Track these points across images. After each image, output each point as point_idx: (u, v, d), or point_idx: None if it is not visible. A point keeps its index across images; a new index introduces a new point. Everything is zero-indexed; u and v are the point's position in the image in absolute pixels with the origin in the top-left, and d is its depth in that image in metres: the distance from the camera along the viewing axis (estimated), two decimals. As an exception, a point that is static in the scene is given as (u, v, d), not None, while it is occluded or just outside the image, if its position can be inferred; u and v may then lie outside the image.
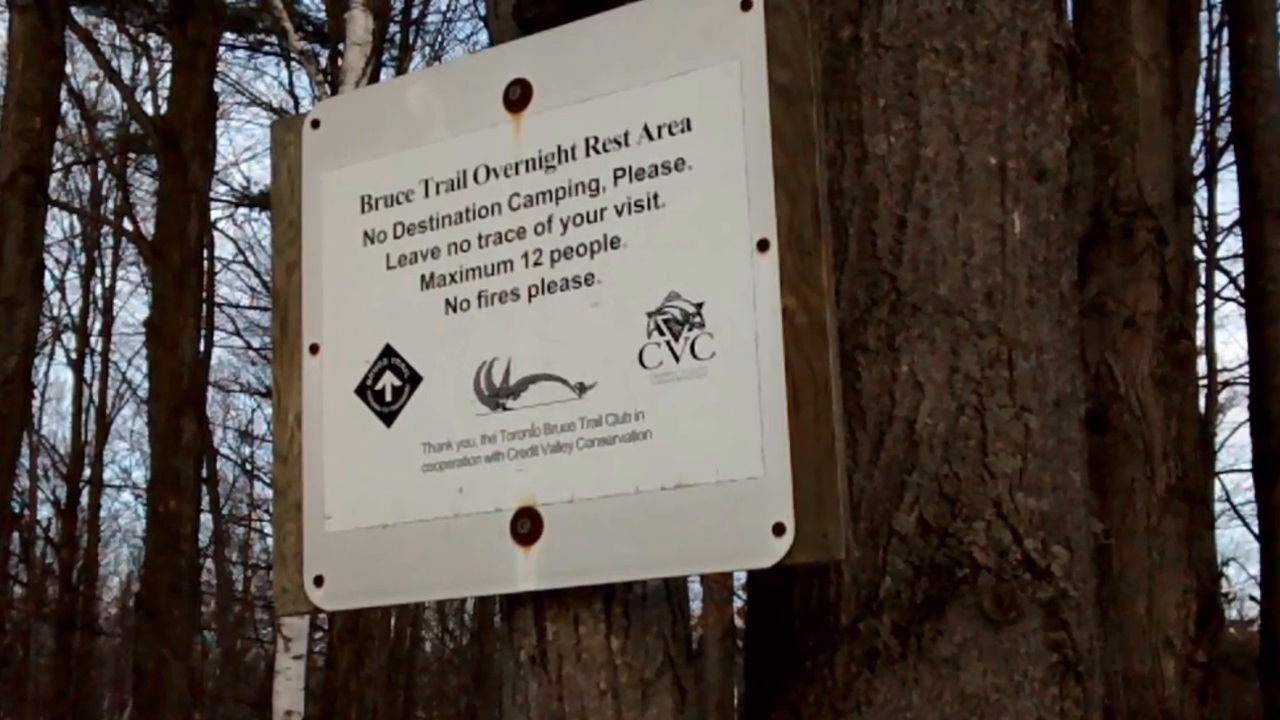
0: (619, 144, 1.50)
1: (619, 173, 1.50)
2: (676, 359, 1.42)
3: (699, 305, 1.42)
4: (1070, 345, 1.70)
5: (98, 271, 23.68)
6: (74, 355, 23.78)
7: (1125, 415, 2.65)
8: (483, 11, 17.78)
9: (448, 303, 1.56)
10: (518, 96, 1.57)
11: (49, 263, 16.63)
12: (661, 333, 1.44)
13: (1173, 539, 2.59)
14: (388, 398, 1.57)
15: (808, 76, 1.43)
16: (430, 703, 25.91)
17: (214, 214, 16.80)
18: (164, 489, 11.54)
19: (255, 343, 23.26)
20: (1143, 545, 2.56)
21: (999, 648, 1.52)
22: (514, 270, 1.53)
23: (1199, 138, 11.95)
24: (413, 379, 1.56)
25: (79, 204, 21.50)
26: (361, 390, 1.59)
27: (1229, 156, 11.26)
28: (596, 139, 1.51)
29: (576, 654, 1.44)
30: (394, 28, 16.43)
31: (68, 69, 12.58)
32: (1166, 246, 2.86)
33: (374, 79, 10.05)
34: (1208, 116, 11.94)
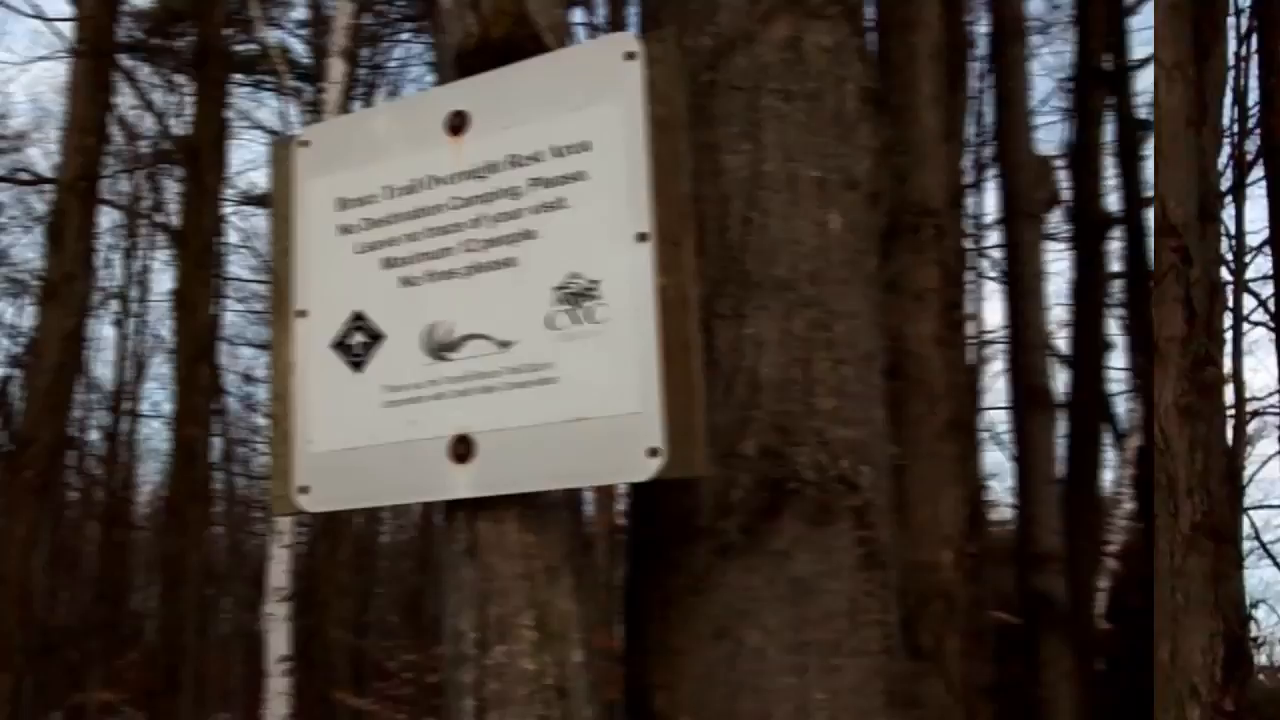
0: (534, 160, 1.45)
1: (534, 181, 1.45)
2: (577, 322, 1.38)
3: (595, 282, 1.38)
4: (874, 313, 1.69)
5: (137, 253, 22.93)
6: (117, 317, 23.01)
7: (912, 366, 2.60)
8: (430, 59, 17.50)
9: (402, 279, 1.50)
10: (458, 124, 1.51)
11: (99, 247, 16.02)
12: (566, 303, 1.39)
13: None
14: (357, 351, 1.51)
15: (678, 110, 1.40)
16: (386, 582, 25.63)
17: (225, 210, 16.28)
18: (185, 419, 11.26)
19: (256, 308, 22.74)
20: (928, 465, 2.48)
21: (821, 543, 1.51)
22: (454, 255, 1.47)
23: (969, 157, 10.60)
24: (376, 337, 1.51)
25: (123, 202, 20.75)
26: (337, 345, 1.53)
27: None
28: (517, 155, 1.46)
29: (499, 547, 1.39)
30: (363, 71, 16.11)
31: (115, 100, 12.11)
32: (945, 239, 2.79)
33: (347, 110, 9.84)
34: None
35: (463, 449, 1.41)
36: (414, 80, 18.27)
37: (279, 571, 10.55)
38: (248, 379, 25.30)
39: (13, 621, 8.35)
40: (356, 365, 1.51)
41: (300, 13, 17.34)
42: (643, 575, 1.62)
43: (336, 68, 9.43)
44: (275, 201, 1.65)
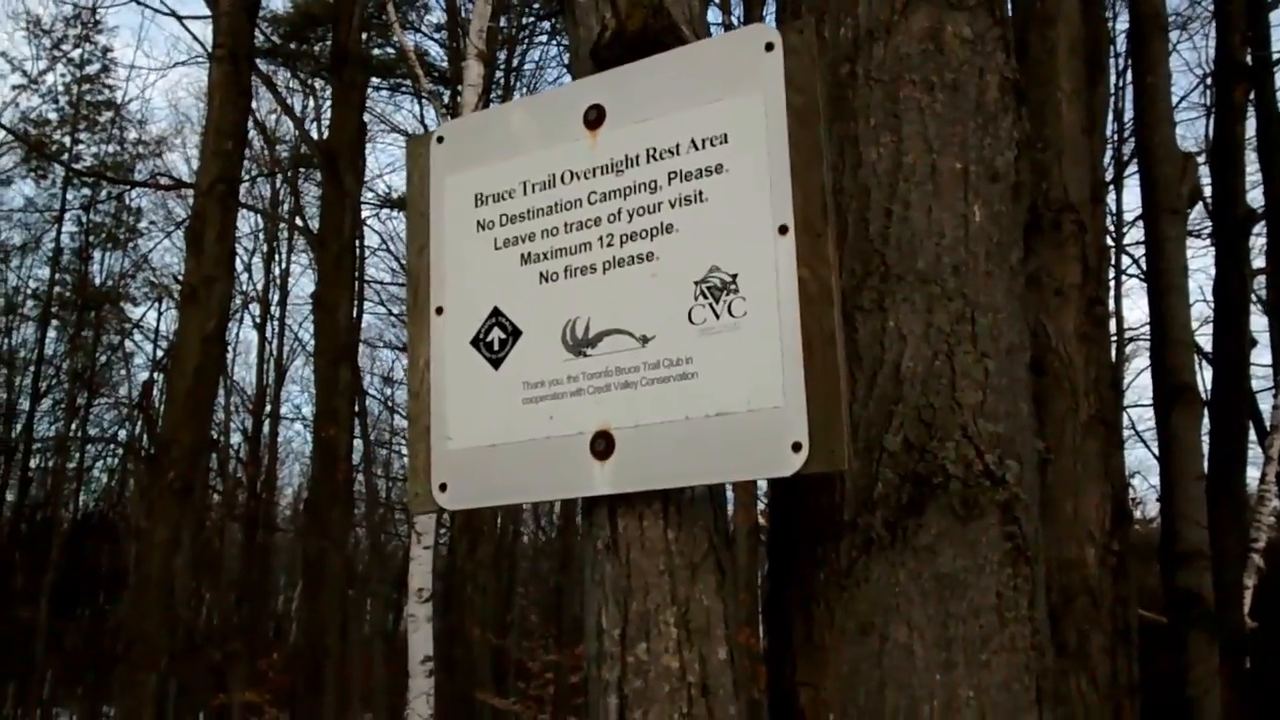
0: (672, 153, 1.49)
1: (672, 175, 1.48)
2: (717, 316, 1.41)
3: (734, 275, 1.41)
4: (1018, 307, 1.68)
5: (276, 257, 23.88)
6: (258, 320, 24.01)
7: (1055, 362, 2.63)
8: (566, 60, 17.75)
9: (541, 275, 1.55)
10: (594, 118, 1.56)
11: (239, 250, 16.79)
12: (705, 297, 1.42)
13: (1093, 457, 2.60)
14: (495, 348, 1.57)
15: (817, 101, 1.42)
16: (527, 582, 26.10)
17: (363, 213, 16.85)
18: (326, 421, 11.65)
19: (395, 310, 23.44)
20: (1071, 462, 2.55)
21: (966, 538, 1.50)
22: (592, 250, 1.52)
23: (1109, 153, 12.23)
24: (514, 333, 1.56)
25: (262, 206, 21.65)
26: (475, 342, 1.59)
27: (1132, 167, 11.63)
28: (655, 149, 1.50)
29: (641, 543, 1.43)
30: (499, 73, 16.44)
31: (254, 104, 12.63)
32: (1087, 234, 2.85)
33: (482, 111, 10.05)
34: (1115, 137, 12.38)
35: (603, 445, 1.44)
36: (550, 82, 18.61)
37: (421, 572, 10.86)
38: (387, 381, 26.20)
39: (157, 623, 8.73)
40: (495, 362, 1.56)
41: (436, 16, 17.84)
42: (785, 572, 1.63)
43: (473, 70, 9.66)
44: (412, 198, 1.72)
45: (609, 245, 1.51)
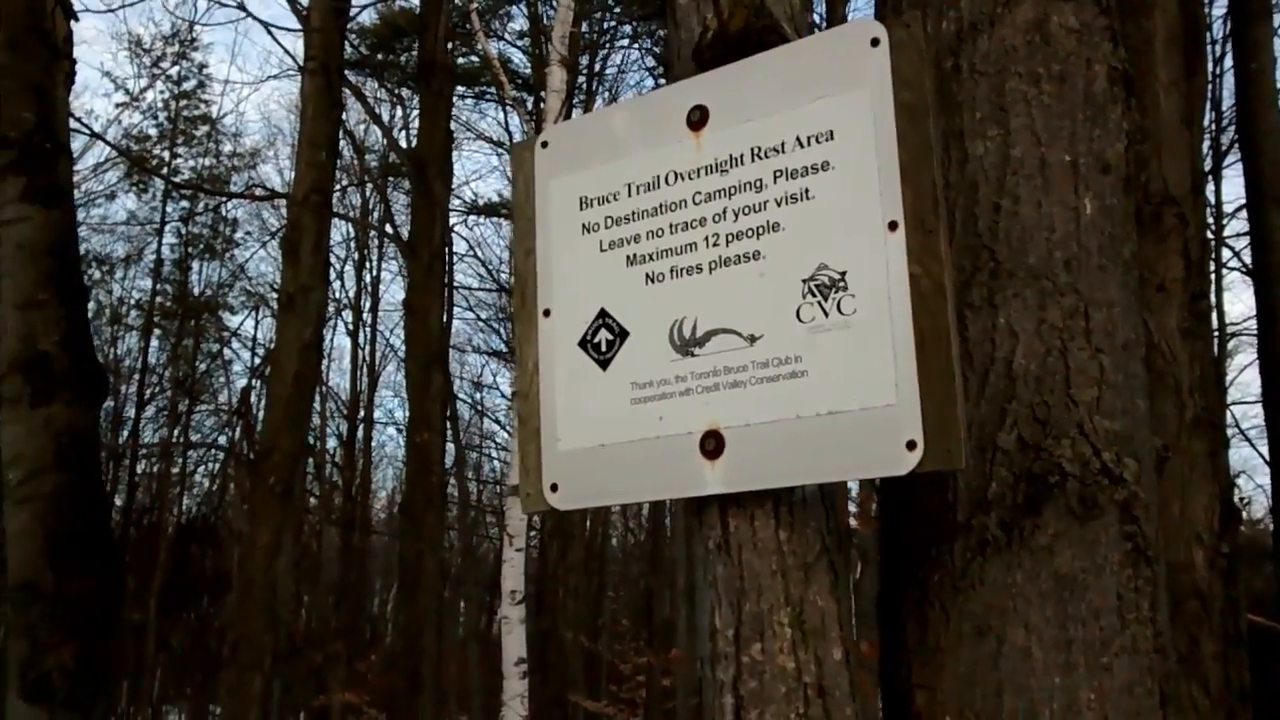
0: (777, 151, 1.48)
1: (778, 173, 1.48)
2: (826, 315, 1.40)
3: (843, 273, 1.40)
4: (1133, 301, 1.64)
5: (367, 264, 24.34)
6: (351, 327, 24.49)
7: (1159, 360, 2.57)
8: (648, 63, 17.80)
9: (647, 276, 1.56)
10: (698, 118, 1.56)
11: (332, 259, 17.12)
12: (814, 295, 1.42)
13: (1200, 456, 2.53)
14: (603, 349, 1.58)
15: (925, 95, 1.40)
16: (617, 586, 26.23)
17: (451, 220, 17.08)
18: (419, 425, 11.84)
19: (483, 315, 23.72)
20: (1178, 462, 2.49)
21: (1085, 538, 1.47)
22: (698, 250, 1.52)
23: (1207, 143, 11.88)
24: (621, 334, 1.57)
25: (353, 215, 22.09)
26: (583, 343, 1.60)
27: (1232, 156, 11.44)
28: (760, 148, 1.50)
29: (753, 543, 1.43)
30: (581, 78, 16.55)
31: (344, 115, 12.88)
32: (1188, 228, 2.77)
33: (567, 116, 10.13)
34: (1213, 126, 11.97)
35: (712, 445, 1.45)
36: (632, 86, 18.69)
37: (513, 574, 10.98)
38: (476, 385, 26.54)
39: (261, 625, 8.94)
40: (603, 363, 1.58)
41: (519, 24, 18.03)
42: (897, 573, 1.62)
43: (556, 76, 9.76)
44: (518, 203, 1.74)
45: (715, 245, 1.51)
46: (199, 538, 23.59)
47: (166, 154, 21.83)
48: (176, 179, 20.76)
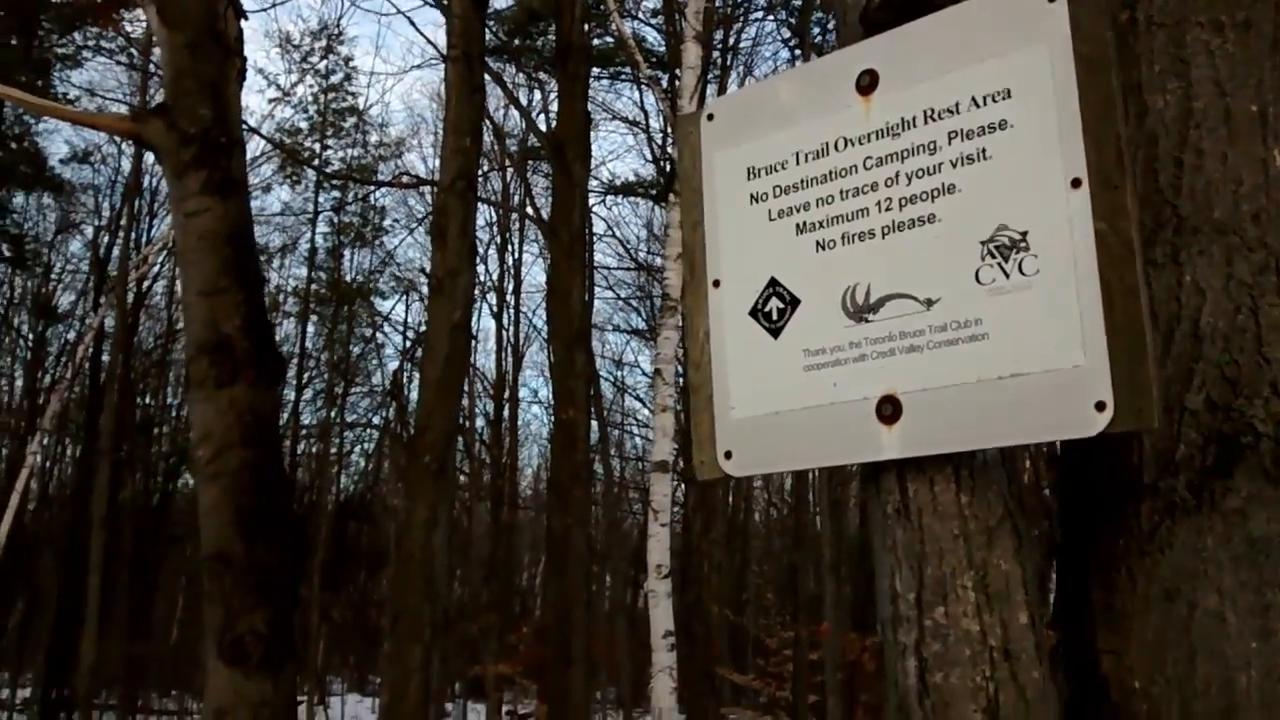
0: (951, 112, 1.46)
1: (952, 134, 1.46)
2: (1007, 276, 1.38)
3: (1024, 233, 1.38)
4: (1325, 255, 1.57)
5: (509, 248, 24.78)
6: (495, 309, 24.98)
7: None
8: (783, 35, 17.61)
9: (818, 243, 1.56)
10: (867, 83, 1.55)
11: (477, 243, 17.45)
12: (993, 256, 1.40)
13: None
14: (774, 317, 1.59)
15: (1106, 48, 1.37)
16: (760, 560, 26.23)
17: (589, 201, 17.25)
18: (564, 403, 12.01)
19: (622, 294, 23.93)
20: None
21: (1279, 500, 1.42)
22: (869, 215, 1.51)
23: None
24: (793, 302, 1.57)
25: (495, 199, 22.49)
26: (753, 312, 1.61)
27: None
28: (933, 110, 1.48)
29: (933, 507, 1.42)
30: (716, 54, 16.49)
31: (485, 102, 13.08)
32: None
33: (702, 93, 10.11)
34: None
35: (889, 410, 1.44)
36: (767, 59, 18.53)
37: (659, 549, 11.08)
38: (617, 364, 26.81)
39: (419, 598, 9.21)
40: (774, 331, 1.58)
41: (653, 2, 18.03)
42: (1078, 537, 1.59)
43: (691, 52, 9.74)
44: (684, 175, 1.75)
45: (887, 210, 1.50)
46: (356, 514, 24.47)
47: (317, 146, 22.62)
48: (327, 170, 21.49)
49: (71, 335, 24.24)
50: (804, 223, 1.58)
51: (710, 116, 1.73)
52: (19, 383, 25.62)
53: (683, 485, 17.41)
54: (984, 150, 1.43)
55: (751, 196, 1.65)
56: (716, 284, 1.67)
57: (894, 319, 1.46)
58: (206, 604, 2.92)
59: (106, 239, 23.28)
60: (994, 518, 1.40)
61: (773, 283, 1.60)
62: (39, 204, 24.10)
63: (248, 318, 3.11)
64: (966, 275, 1.41)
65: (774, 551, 26.76)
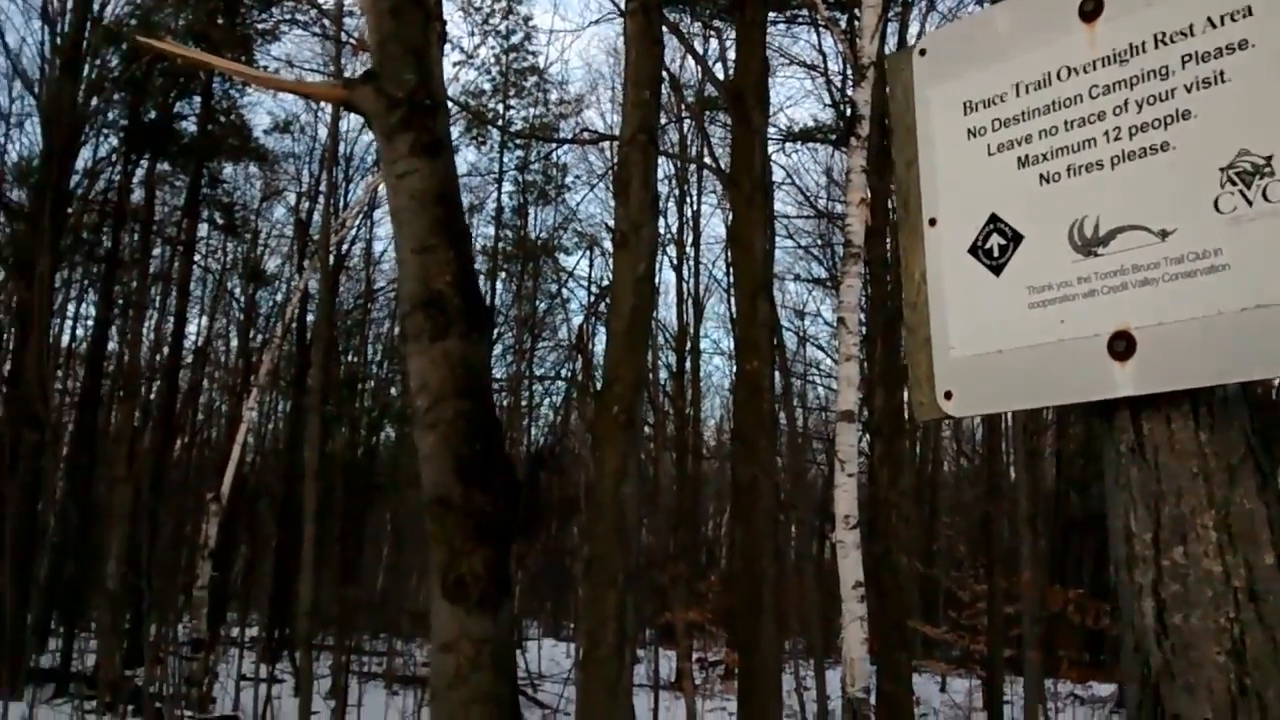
0: (1184, 35, 1.40)
1: (1186, 58, 1.39)
2: (1249, 203, 1.32)
3: (1268, 158, 1.31)
4: None
5: (688, 200, 24.82)
6: (675, 262, 25.10)
7: None
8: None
9: (1041, 176, 1.52)
10: (1091, 9, 1.50)
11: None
12: (1234, 183, 1.33)
13: None
14: (995, 254, 1.56)
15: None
16: (950, 512, 25.72)
17: (768, 149, 17.06)
18: (748, 353, 12.00)
19: (803, 243, 23.68)
20: None
21: None
22: (1097, 146, 1.47)
23: None
24: (1015, 238, 1.54)
25: (672, 150, 22.51)
26: (973, 250, 1.59)
27: None
28: (1164, 33, 1.42)
29: (1170, 445, 1.38)
30: (897, -10, 16.01)
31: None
32: None
33: (883, 35, 9.84)
34: None
35: (1122, 346, 1.40)
36: (948, -7, 17.87)
37: (846, 499, 10.98)
38: (799, 314, 26.61)
39: (612, 545, 9.41)
40: (995, 268, 1.56)
41: (828, -62, 17.61)
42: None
43: (871, -9, 9.49)
44: (896, 113, 1.73)
45: (1116, 139, 1.45)
46: (546, 465, 25.13)
47: (500, 107, 23.09)
48: (511, 130, 21.93)
49: (279, 297, 25.64)
50: (1026, 156, 1.54)
51: (922, 52, 1.71)
52: (234, 343, 27.28)
53: (867, 436, 17.20)
54: (1222, 73, 1.36)
55: (969, 132, 1.61)
56: (933, 223, 1.65)
57: (1125, 252, 1.42)
58: (430, 546, 3.08)
59: (307, 205, 24.47)
60: (1236, 455, 1.35)
61: (993, 219, 1.57)
62: (245, 173, 25.49)
63: (457, 274, 3.24)
64: (1204, 204, 1.35)
65: (964, 503, 26.19)
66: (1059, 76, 1.52)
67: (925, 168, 1.66)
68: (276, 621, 22.73)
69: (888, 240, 17.23)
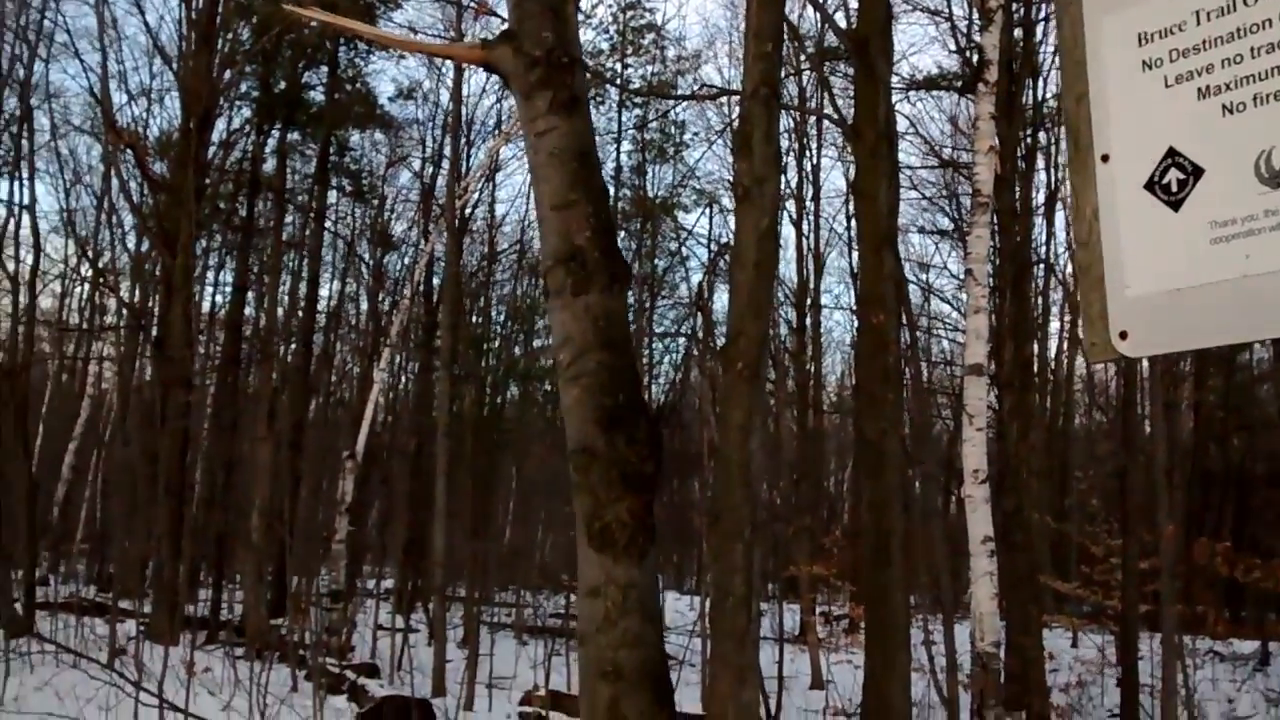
0: (1386, -51, 1.32)
1: (1387, -23, 1.32)
2: None
3: None
4: None
5: (806, 153, 24.51)
6: (794, 216, 24.85)
7: None
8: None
9: (1224, 107, 1.46)
10: (1277, -72, 1.42)
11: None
12: None
13: None
14: (1173, 189, 1.50)
15: None
16: (1082, 466, 25.08)
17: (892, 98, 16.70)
18: (873, 307, 11.83)
19: (926, 194, 23.18)
20: None
21: None
22: (1286, 72, 1.40)
23: None
24: (1195, 172, 1.48)
25: (792, 103, 22.22)
26: (1149, 185, 1.53)
27: None
28: (1362, -49, 1.34)
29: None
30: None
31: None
32: None
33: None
34: None
35: (1316, 279, 1.34)
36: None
37: (975, 453, 10.82)
38: (922, 266, 26.13)
39: (738, 498, 9.43)
40: (1174, 204, 1.50)
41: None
42: None
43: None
44: (1064, 47, 1.67)
45: (1307, 66, 1.38)
46: (668, 421, 25.29)
47: (618, 65, 23.08)
48: (629, 88, 21.91)
49: (406, 261, 26.22)
50: (1207, 86, 1.48)
51: (1093, -19, 1.64)
52: (364, 306, 28.02)
53: (996, 390, 16.84)
54: None
55: (1144, 63, 1.55)
56: (1105, 158, 1.59)
57: (1318, 182, 1.35)
58: (575, 495, 3.14)
59: (431, 170, 24.90)
60: None
61: (1171, 153, 1.51)
62: (371, 140, 26.04)
63: (596, 229, 3.27)
64: None
65: (1098, 457, 25.51)
66: (1245, 2, 1.44)
67: (1097, 102, 1.61)
68: (410, 573, 23.47)
69: (1016, 189, 16.76)
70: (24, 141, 20.20)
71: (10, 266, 21.51)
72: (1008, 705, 11.10)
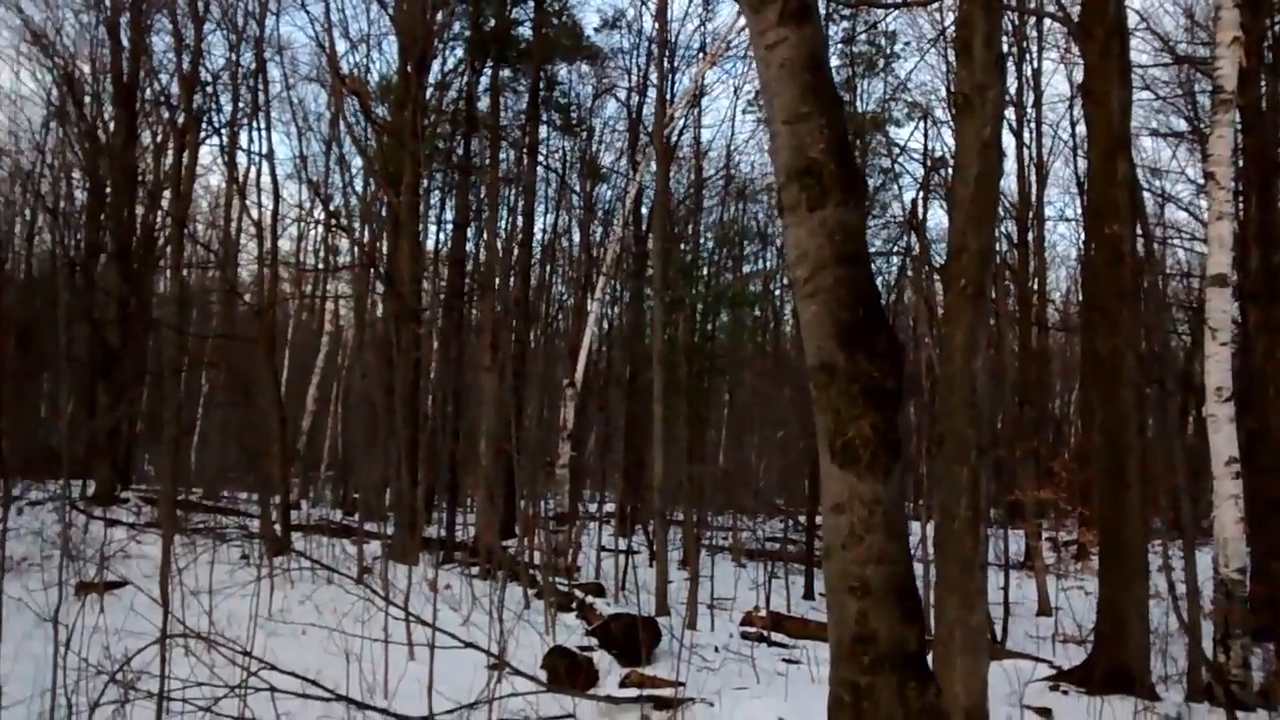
0: None
1: None
2: None
3: None
4: None
5: (1026, 58, 23.29)
6: (1014, 125, 23.73)
7: None
8: None
9: None
10: None
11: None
12: None
13: None
14: None
15: None
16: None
17: (1122, -6, 15.62)
18: (1106, 216, 11.20)
19: (1160, 94, 21.70)
20: None
21: None
22: None
23: None
24: None
25: (1013, 4, 21.11)
26: None
27: None
28: None
29: None
30: None
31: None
32: None
33: None
34: None
35: None
36: None
37: (1218, 370, 10.17)
38: (1154, 173, 24.53)
39: (963, 420, 9.18)
40: None
41: None
42: None
43: None
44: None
45: None
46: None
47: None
48: None
49: (615, 191, 26.52)
50: None
51: None
52: (576, 237, 28.57)
53: (1239, 302, 15.74)
54: None
55: None
56: None
57: None
58: (816, 411, 3.13)
59: (637, 99, 24.95)
60: None
61: None
62: (578, 73, 26.30)
63: (831, 141, 3.21)
64: None
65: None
66: None
67: None
68: (630, 497, 24.05)
69: (1262, 83, 15.45)
70: (260, 93, 21.36)
71: (254, 213, 22.97)
72: (1255, 636, 10.51)
